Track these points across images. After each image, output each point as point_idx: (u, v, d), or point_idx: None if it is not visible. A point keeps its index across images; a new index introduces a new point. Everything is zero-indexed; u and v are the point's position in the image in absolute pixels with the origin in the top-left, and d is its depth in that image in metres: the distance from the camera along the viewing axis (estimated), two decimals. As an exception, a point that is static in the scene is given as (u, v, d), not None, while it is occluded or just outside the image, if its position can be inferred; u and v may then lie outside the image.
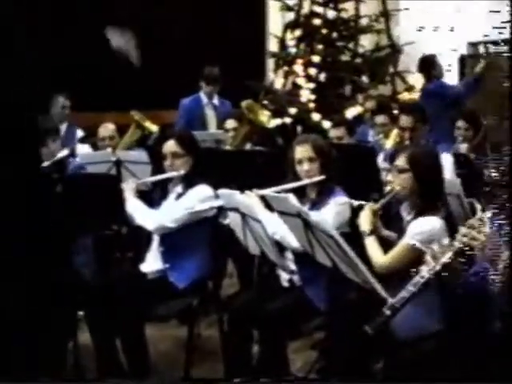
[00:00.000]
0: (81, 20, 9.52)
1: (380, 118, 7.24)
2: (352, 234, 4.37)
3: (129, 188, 5.02)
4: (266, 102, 9.80)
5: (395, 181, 4.21)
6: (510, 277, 3.34)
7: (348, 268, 3.66)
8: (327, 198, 4.51)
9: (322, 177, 4.53)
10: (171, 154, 4.95)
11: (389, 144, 6.66)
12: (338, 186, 4.58)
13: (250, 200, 4.45)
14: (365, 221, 4.20)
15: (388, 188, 4.97)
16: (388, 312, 3.41)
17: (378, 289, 3.57)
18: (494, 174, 6.10)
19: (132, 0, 10.01)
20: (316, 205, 4.53)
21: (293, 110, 9.67)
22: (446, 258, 3.37)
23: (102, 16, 9.53)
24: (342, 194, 4.55)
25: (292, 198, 3.88)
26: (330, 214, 4.43)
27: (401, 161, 4.15)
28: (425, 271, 3.41)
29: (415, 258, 3.86)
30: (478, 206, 4.91)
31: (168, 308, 4.77)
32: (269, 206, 4.35)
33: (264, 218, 4.33)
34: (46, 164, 5.39)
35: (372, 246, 4.10)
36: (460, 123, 6.93)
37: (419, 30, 9.68)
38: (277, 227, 4.36)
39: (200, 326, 5.30)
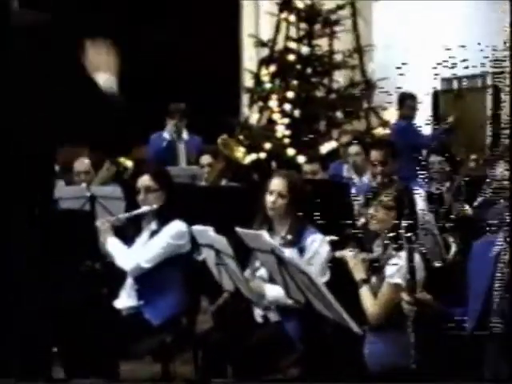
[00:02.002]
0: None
1: (353, 148, 7.24)
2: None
3: (104, 228, 5.00)
4: (241, 137, 9.82)
5: (378, 216, 4.19)
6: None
7: (321, 304, 3.66)
8: (300, 236, 4.52)
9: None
10: (145, 189, 4.96)
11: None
12: (308, 223, 4.57)
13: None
14: (358, 270, 4.15)
15: (361, 221, 5.00)
16: None
17: (351, 325, 3.58)
18: (467, 209, 6.15)
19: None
20: (288, 242, 4.50)
21: (268, 146, 9.69)
22: None
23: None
24: (314, 232, 4.54)
25: (265, 235, 3.89)
26: (319, 261, 4.43)
27: (387, 197, 4.15)
28: None
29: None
30: (452, 241, 4.95)
31: (142, 345, 4.74)
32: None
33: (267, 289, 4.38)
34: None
35: (367, 296, 4.05)
36: (432, 158, 6.87)
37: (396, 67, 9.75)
38: (273, 291, 4.38)
39: (175, 363, 5.26)
